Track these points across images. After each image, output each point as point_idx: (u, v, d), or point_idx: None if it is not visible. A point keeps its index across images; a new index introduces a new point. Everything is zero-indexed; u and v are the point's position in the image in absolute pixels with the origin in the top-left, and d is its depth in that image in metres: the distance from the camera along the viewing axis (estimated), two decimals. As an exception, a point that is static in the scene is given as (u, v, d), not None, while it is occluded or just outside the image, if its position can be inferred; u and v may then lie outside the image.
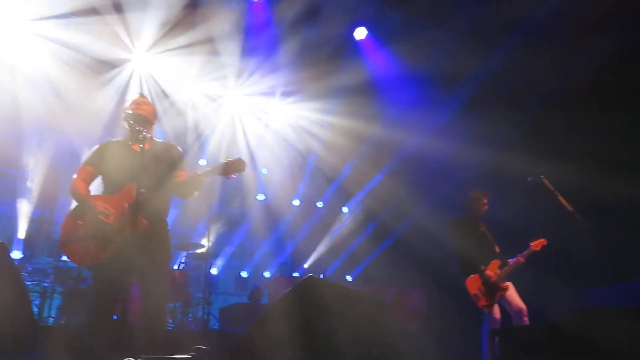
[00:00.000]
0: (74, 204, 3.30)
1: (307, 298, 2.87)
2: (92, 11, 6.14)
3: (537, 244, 4.92)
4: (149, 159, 3.30)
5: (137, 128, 3.11)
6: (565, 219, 4.35)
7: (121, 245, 3.03)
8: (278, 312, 2.96)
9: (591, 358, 2.59)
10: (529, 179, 4.69)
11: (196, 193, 3.44)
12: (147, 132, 3.17)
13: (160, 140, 3.64)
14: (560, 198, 4.43)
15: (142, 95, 3.65)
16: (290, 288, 3.10)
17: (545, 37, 6.06)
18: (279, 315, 2.93)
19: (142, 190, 3.10)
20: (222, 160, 3.26)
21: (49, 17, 6.19)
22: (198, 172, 3.29)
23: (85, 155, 3.48)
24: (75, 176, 3.33)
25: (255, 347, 2.86)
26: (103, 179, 3.43)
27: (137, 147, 3.35)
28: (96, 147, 3.50)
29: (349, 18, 6.88)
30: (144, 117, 3.44)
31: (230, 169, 3.22)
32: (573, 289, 5.81)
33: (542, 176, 4.59)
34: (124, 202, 3.15)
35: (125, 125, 3.41)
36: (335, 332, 2.73)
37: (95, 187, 3.48)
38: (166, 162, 3.43)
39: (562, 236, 5.05)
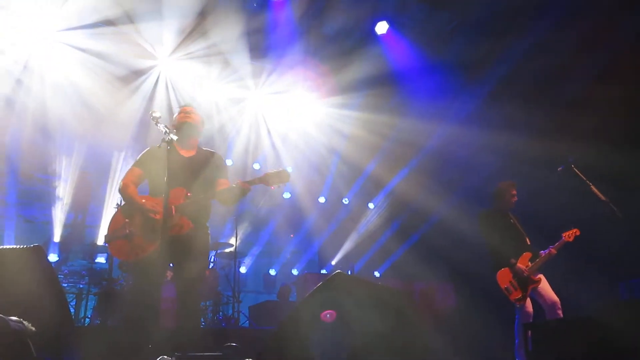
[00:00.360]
0: (107, 207, 3.43)
1: (336, 294, 2.87)
2: (117, 21, 6.29)
3: (569, 235, 4.78)
4: (195, 166, 3.52)
5: (165, 131, 3.19)
6: (599, 209, 4.22)
7: (165, 244, 3.14)
8: (307, 309, 2.98)
9: (627, 352, 2.51)
10: (559, 169, 4.57)
11: (238, 200, 3.57)
12: (172, 135, 3.22)
13: (205, 149, 3.80)
14: (593, 188, 4.30)
15: (189, 104, 3.82)
16: (318, 285, 3.11)
17: (579, 13, 5.71)
18: (307, 312, 2.94)
19: (189, 194, 3.33)
20: (268, 171, 3.43)
21: (77, 28, 6.38)
22: (244, 181, 3.41)
23: (136, 157, 3.64)
24: (124, 177, 3.53)
25: (285, 344, 2.88)
26: (150, 181, 3.59)
27: (184, 153, 3.58)
28: (145, 150, 3.67)
29: (370, 11, 6.82)
30: (192, 125, 3.62)
31: (275, 179, 3.39)
32: (608, 281, 5.63)
33: (572, 166, 4.47)
34: (171, 204, 3.29)
35: (175, 133, 3.51)
36: (364, 327, 2.72)
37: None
38: (210, 170, 3.59)
39: (596, 226, 4.89)
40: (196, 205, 3.36)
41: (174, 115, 3.76)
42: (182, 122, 3.60)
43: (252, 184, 3.41)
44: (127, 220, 3.34)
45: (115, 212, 3.52)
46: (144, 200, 3.37)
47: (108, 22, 6.32)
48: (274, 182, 3.39)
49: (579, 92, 6.04)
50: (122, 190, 3.47)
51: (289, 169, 3.78)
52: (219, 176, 3.60)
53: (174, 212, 3.28)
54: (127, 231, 3.29)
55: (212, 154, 3.75)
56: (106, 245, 3.62)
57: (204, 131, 3.87)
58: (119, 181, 3.57)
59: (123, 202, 3.57)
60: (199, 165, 3.55)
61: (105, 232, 3.45)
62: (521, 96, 6.54)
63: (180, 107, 3.79)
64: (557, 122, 6.16)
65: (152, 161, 3.55)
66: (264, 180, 3.40)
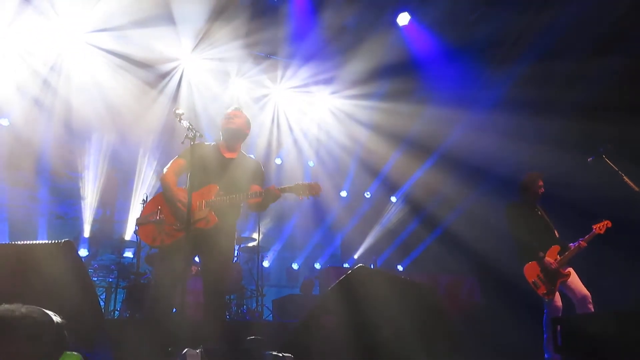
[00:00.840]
0: (134, 203, 3.50)
1: (358, 287, 2.86)
2: (140, 24, 6.39)
3: (600, 227, 4.63)
4: (233, 168, 3.64)
5: (188, 127, 3.28)
6: (632, 199, 4.07)
7: (191, 235, 3.21)
8: (329, 302, 2.98)
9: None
10: (590, 159, 4.43)
11: (268, 207, 3.65)
12: (195, 131, 3.28)
13: (248, 155, 3.91)
14: (625, 178, 4.16)
15: (236, 108, 3.89)
16: (340, 278, 3.11)
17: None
18: (330, 305, 2.95)
19: (221, 192, 3.45)
20: (300, 182, 3.49)
21: (104, 30, 6.54)
22: (276, 187, 3.48)
23: (182, 150, 3.75)
24: (168, 166, 3.66)
25: (309, 337, 2.89)
26: (189, 174, 3.65)
27: (226, 154, 3.72)
28: (192, 145, 3.72)
29: (391, 2, 6.71)
30: (234, 130, 3.73)
31: (306, 191, 3.45)
32: (642, 274, 5.45)
33: (603, 155, 4.33)
34: (202, 199, 3.43)
35: (221, 137, 3.79)
36: (387, 321, 2.71)
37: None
38: (247, 175, 3.70)
39: (628, 217, 4.72)
40: (226, 203, 3.45)
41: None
42: (225, 127, 3.74)
43: (283, 191, 3.49)
44: (159, 207, 3.47)
45: (152, 198, 3.69)
46: (179, 192, 3.48)
47: (132, 25, 6.42)
48: (305, 194, 3.45)
49: (622, 67, 5.59)
50: (162, 179, 3.60)
51: (311, 163, 3.82)
52: (254, 182, 3.69)
53: (203, 206, 3.41)
54: (158, 217, 3.42)
55: (253, 161, 3.87)
56: (136, 228, 3.75)
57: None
58: (163, 170, 3.70)
59: (149, 197, 3.66)
60: (237, 168, 3.67)
61: (139, 216, 3.61)
62: (553, 78, 6.25)
63: (227, 111, 3.86)
64: (592, 104, 5.80)
65: (197, 156, 3.61)
66: (294, 190, 3.47)
